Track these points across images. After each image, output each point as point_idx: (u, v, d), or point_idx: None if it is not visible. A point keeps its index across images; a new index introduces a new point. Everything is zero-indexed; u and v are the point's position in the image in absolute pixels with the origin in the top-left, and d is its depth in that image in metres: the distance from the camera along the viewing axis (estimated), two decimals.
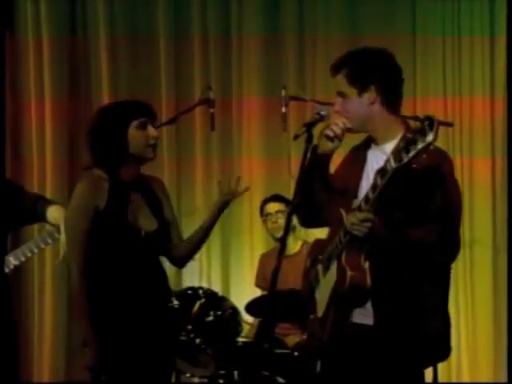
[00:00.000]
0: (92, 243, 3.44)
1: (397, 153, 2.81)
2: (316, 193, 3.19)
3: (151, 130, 3.46)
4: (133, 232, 3.45)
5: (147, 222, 3.49)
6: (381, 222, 2.95)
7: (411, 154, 2.76)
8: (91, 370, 3.42)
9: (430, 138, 2.72)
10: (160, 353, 3.47)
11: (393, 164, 2.83)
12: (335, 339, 3.12)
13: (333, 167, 3.30)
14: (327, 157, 3.18)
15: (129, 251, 3.46)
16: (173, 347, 3.60)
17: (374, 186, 2.92)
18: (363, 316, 3.08)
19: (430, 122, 2.73)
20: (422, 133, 2.73)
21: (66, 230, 3.52)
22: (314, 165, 3.15)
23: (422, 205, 3.00)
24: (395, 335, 3.04)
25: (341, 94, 3.15)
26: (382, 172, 2.88)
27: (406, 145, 2.78)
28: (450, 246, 3.08)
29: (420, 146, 2.73)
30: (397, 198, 2.96)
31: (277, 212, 5.46)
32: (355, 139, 3.35)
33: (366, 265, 3.02)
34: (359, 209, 2.96)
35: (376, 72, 3.12)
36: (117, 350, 3.42)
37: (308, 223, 3.44)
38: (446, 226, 3.05)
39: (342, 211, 3.08)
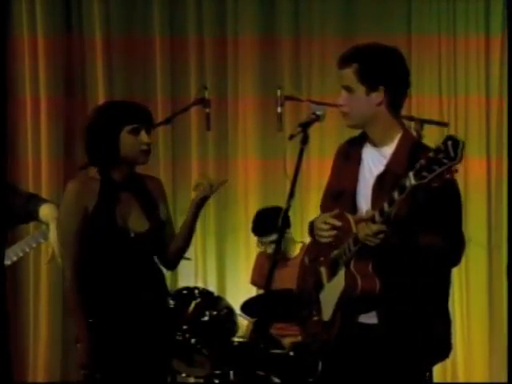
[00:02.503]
0: (83, 243, 3.45)
1: (418, 171, 2.76)
2: None
3: (143, 136, 3.44)
4: (121, 233, 3.43)
5: (138, 223, 3.48)
6: (393, 230, 2.93)
7: (435, 173, 2.72)
8: (83, 367, 3.44)
9: (456, 159, 2.68)
10: (152, 353, 3.46)
11: (413, 181, 2.78)
12: (341, 340, 3.12)
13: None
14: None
15: (117, 252, 3.45)
16: (167, 348, 3.58)
17: (390, 201, 2.88)
18: (367, 316, 3.08)
19: (453, 143, 2.68)
20: (446, 153, 2.69)
21: (58, 230, 3.54)
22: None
23: (433, 214, 3.00)
24: (399, 334, 3.04)
25: (347, 89, 3.09)
26: (400, 188, 2.84)
27: (429, 164, 2.73)
28: (459, 247, 3.10)
29: (445, 166, 2.70)
30: (410, 211, 2.95)
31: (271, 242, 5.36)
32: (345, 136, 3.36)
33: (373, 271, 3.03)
34: (373, 220, 2.93)
35: (387, 73, 3.06)
36: (109, 350, 3.43)
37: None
38: (452, 229, 3.06)
39: (349, 217, 3.06)
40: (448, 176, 2.72)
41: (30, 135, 6.40)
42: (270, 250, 5.27)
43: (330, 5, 6.36)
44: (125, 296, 3.45)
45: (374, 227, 2.91)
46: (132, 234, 3.45)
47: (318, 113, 3.17)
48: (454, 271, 6.18)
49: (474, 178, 6.21)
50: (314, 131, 3.26)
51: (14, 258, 4.06)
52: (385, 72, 3.06)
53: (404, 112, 4.06)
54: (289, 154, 3.76)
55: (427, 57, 6.32)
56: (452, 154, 2.68)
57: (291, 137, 3.20)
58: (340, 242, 3.08)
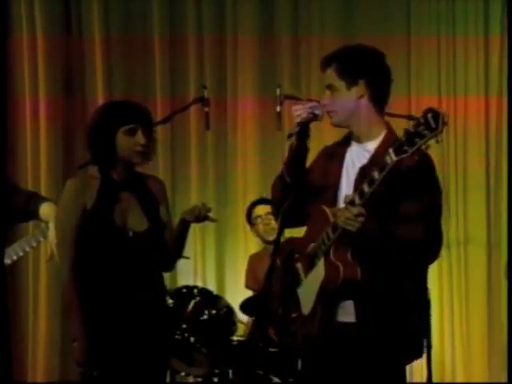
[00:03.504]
0: (81, 241, 3.45)
1: (398, 146, 2.81)
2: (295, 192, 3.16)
3: (139, 137, 3.43)
4: (119, 232, 3.44)
5: (137, 222, 3.47)
6: (371, 218, 2.94)
7: (416, 146, 2.76)
8: (79, 365, 3.44)
9: (438, 129, 2.72)
10: (150, 352, 3.46)
11: (394, 157, 2.83)
12: (322, 337, 3.11)
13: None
14: (304, 152, 3.17)
15: (114, 251, 3.45)
16: (165, 347, 3.58)
17: (370, 180, 2.90)
18: (345, 314, 3.08)
19: (433, 114, 2.73)
20: (427, 124, 2.74)
21: (56, 227, 3.54)
22: (293, 162, 3.16)
23: (411, 203, 3.01)
24: (377, 332, 3.04)
25: (329, 87, 3.17)
26: (381, 166, 2.87)
27: (409, 137, 2.78)
28: (436, 244, 3.09)
29: (427, 137, 2.74)
30: (388, 195, 2.96)
31: (267, 214, 5.41)
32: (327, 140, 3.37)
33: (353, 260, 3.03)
34: (351, 203, 2.95)
35: (366, 67, 3.13)
36: (106, 348, 3.43)
37: (289, 224, 3.34)
38: (431, 225, 3.06)
39: (325, 208, 3.07)
40: (426, 146, 2.76)
41: (29, 135, 6.41)
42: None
43: (329, 4, 6.37)
44: (122, 295, 3.45)
45: (355, 210, 2.92)
46: (130, 233, 3.46)
47: (316, 112, 3.18)
48: (453, 270, 6.27)
49: (473, 177, 6.22)
50: (312, 130, 3.26)
51: (15, 257, 4.07)
52: (363, 66, 3.13)
53: (403, 112, 4.08)
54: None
55: (426, 57, 6.33)
56: (433, 124, 2.72)
57: (290, 136, 3.20)
58: (317, 235, 3.08)
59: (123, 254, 3.46)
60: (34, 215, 3.78)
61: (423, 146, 2.77)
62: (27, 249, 4.09)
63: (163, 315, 3.58)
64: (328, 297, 3.06)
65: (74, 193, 3.48)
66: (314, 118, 3.18)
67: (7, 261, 4.01)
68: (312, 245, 3.12)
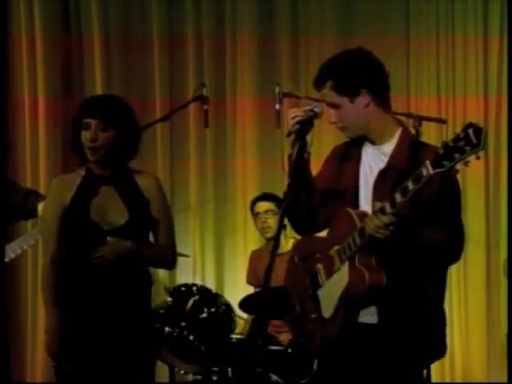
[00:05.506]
0: (61, 237, 3.46)
1: (436, 159, 2.73)
2: (303, 200, 3.14)
3: (90, 132, 3.41)
4: (93, 226, 3.42)
5: (117, 216, 3.44)
6: (398, 223, 2.90)
7: (455, 161, 2.68)
8: (52, 357, 3.47)
9: (479, 146, 2.64)
10: (125, 350, 3.43)
11: (431, 170, 2.75)
12: (341, 339, 3.08)
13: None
14: (305, 159, 3.14)
15: (89, 245, 3.42)
16: (142, 347, 3.49)
17: (404, 190, 2.84)
18: (367, 315, 3.05)
19: (475, 130, 2.65)
20: (467, 140, 2.65)
21: (41, 224, 3.54)
22: (295, 162, 3.13)
23: (437, 207, 2.99)
24: (399, 333, 3.02)
25: (332, 106, 3.11)
26: (416, 177, 2.80)
27: (448, 152, 2.70)
28: (459, 245, 3.08)
29: (467, 153, 2.66)
30: (415, 201, 2.91)
31: (266, 212, 5.45)
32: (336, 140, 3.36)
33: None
34: (382, 211, 2.89)
35: (363, 76, 3.07)
36: (78, 342, 3.43)
37: (301, 229, 3.33)
38: (454, 226, 3.05)
39: (351, 211, 3.04)
40: (465, 163, 2.69)
41: (29, 134, 6.42)
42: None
43: (328, 4, 6.38)
44: (97, 287, 3.43)
45: (386, 219, 2.87)
46: (106, 227, 3.43)
47: (315, 110, 3.16)
48: (452, 269, 6.26)
49: (472, 177, 6.22)
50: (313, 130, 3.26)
51: (12, 255, 4.06)
52: (359, 76, 3.06)
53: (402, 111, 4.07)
54: (287, 150, 3.77)
55: (425, 56, 6.35)
56: (475, 141, 2.64)
57: (289, 134, 3.19)
58: (340, 236, 3.05)
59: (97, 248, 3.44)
60: (32, 213, 3.78)
61: (462, 162, 2.69)
62: (25, 247, 4.09)
63: (140, 312, 3.51)
64: (351, 302, 3.02)
65: (53, 191, 3.50)
66: (314, 115, 3.16)
67: (5, 259, 4.00)
68: (335, 247, 3.08)
